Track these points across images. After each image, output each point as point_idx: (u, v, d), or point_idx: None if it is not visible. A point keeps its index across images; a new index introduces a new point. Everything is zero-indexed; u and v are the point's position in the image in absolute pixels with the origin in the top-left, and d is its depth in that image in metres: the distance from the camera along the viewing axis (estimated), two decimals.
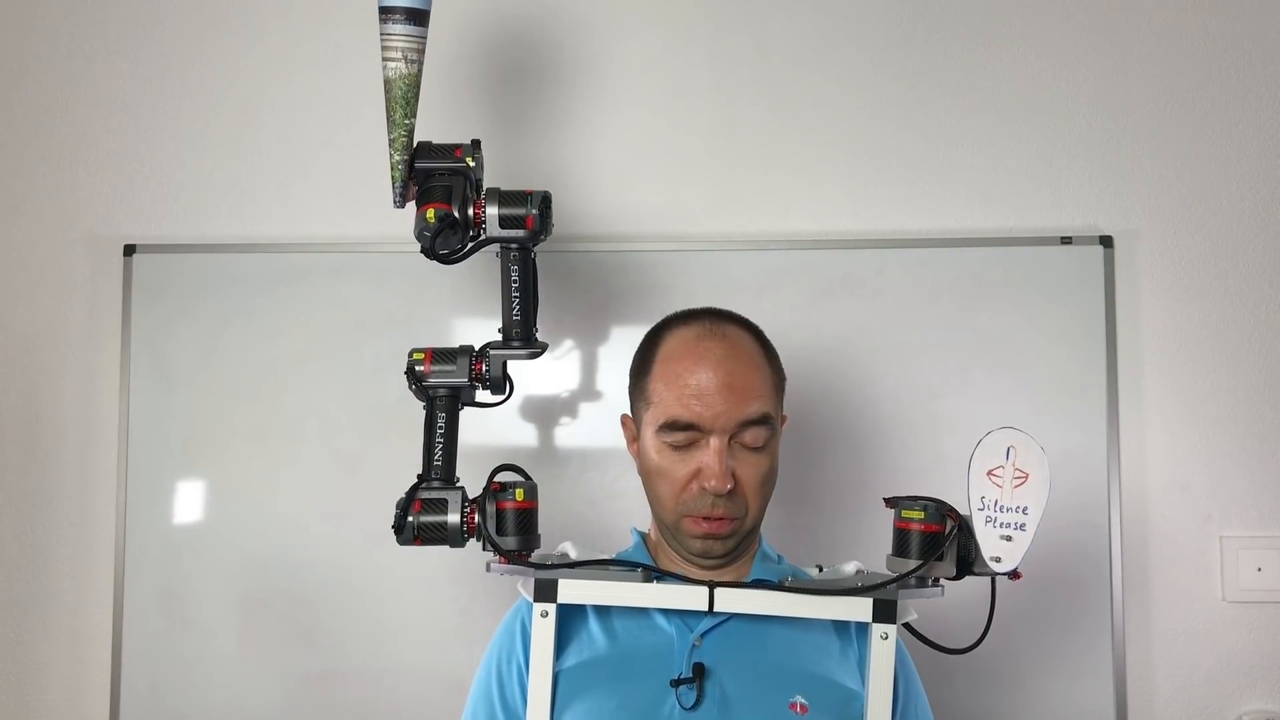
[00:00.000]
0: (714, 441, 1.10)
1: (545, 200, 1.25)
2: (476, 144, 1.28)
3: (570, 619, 1.13)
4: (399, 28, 1.21)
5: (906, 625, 1.09)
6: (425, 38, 1.24)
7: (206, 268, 1.72)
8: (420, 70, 1.25)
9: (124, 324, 1.72)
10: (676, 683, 1.06)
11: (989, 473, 1.04)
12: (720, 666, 1.08)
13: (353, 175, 1.76)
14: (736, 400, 1.11)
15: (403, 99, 1.24)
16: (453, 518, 1.16)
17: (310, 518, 1.66)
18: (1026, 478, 1.03)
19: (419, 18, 1.22)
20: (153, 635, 1.67)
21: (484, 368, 1.25)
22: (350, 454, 1.67)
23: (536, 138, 1.74)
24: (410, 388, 1.25)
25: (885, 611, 1.05)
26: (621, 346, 1.65)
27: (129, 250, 1.73)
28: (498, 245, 1.26)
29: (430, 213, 1.21)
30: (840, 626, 1.15)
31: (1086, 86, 1.69)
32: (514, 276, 1.27)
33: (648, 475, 1.18)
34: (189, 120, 1.79)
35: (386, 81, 1.24)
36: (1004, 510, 1.03)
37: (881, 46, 1.71)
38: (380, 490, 1.64)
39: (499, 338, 1.29)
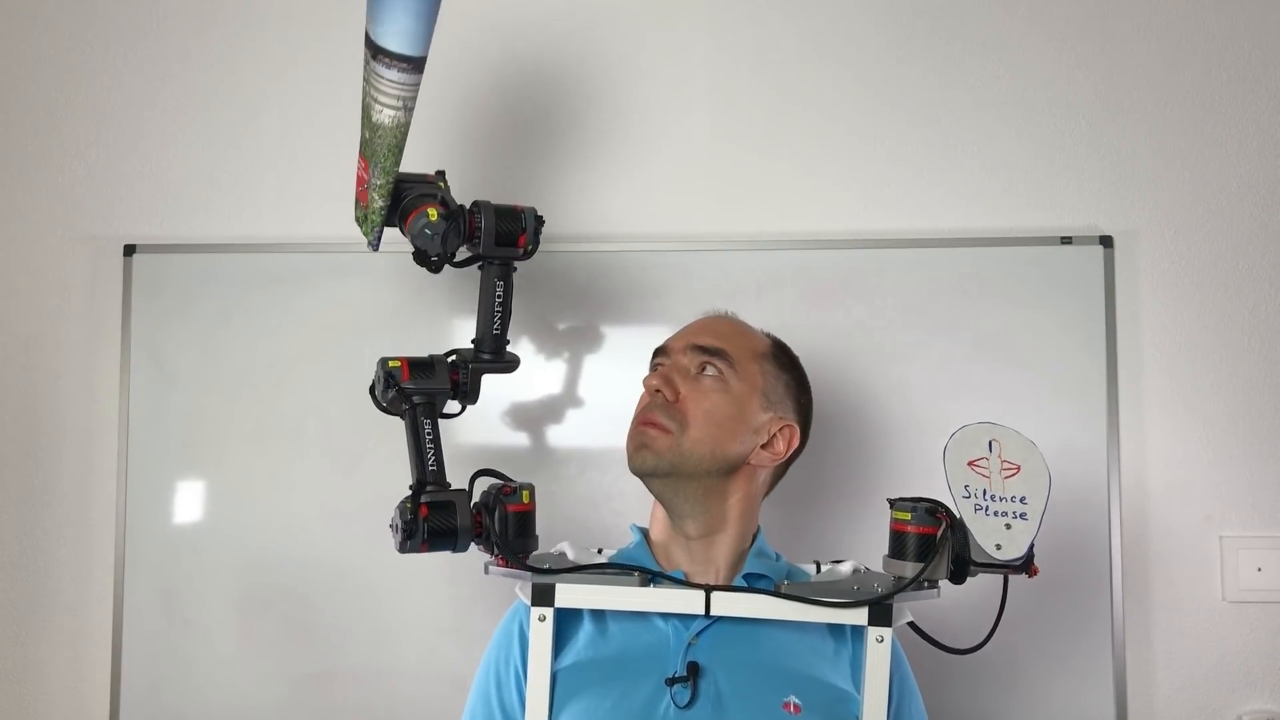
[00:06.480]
0: (671, 359, 1.21)
1: (538, 219, 1.27)
2: (441, 174, 1.29)
3: (566, 618, 1.14)
4: (399, 75, 1.09)
5: (911, 625, 1.09)
6: (420, 84, 1.12)
7: (206, 268, 1.72)
8: (412, 116, 1.15)
9: (124, 324, 1.72)
10: (671, 681, 1.07)
11: (970, 463, 1.02)
12: (715, 665, 1.09)
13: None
14: (702, 334, 1.22)
15: (395, 146, 1.16)
16: (462, 521, 1.14)
17: (310, 518, 1.66)
18: (1018, 469, 1.02)
19: (420, 65, 1.09)
20: (153, 635, 1.67)
21: (460, 378, 1.27)
22: (350, 454, 1.67)
23: (536, 138, 1.74)
24: (382, 396, 1.23)
25: (881, 615, 1.05)
26: (621, 346, 1.65)
27: (129, 250, 1.73)
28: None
29: (433, 211, 1.20)
30: (835, 627, 1.15)
31: (1086, 86, 1.68)
32: (498, 292, 1.28)
33: None
34: (188, 120, 1.79)
35: (378, 126, 1.15)
36: (997, 499, 1.01)
37: (881, 46, 1.71)
38: (380, 490, 1.66)
39: (468, 347, 1.30)
